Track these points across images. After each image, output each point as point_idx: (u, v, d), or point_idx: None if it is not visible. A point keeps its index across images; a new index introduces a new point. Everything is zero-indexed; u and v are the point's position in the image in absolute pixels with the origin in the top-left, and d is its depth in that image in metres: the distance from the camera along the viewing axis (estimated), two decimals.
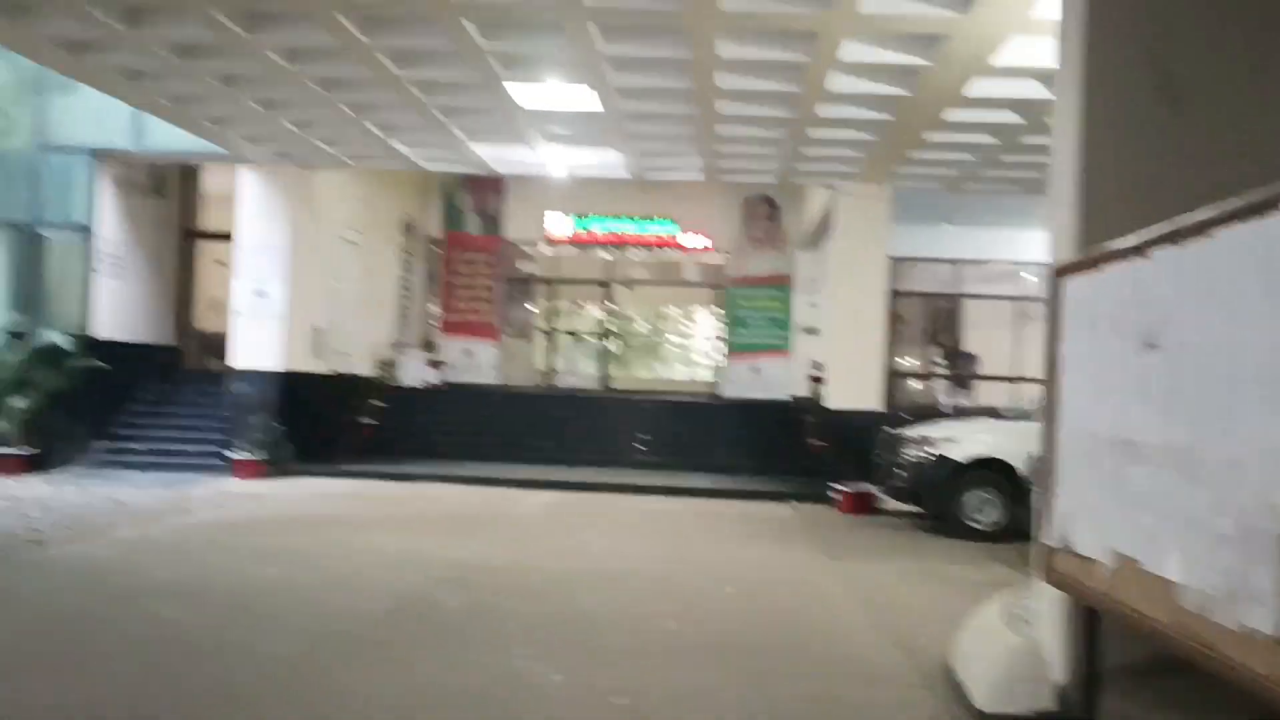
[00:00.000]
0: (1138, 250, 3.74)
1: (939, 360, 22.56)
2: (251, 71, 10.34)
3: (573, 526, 11.39)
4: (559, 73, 9.88)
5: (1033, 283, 20.59)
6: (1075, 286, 4.43)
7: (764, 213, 20.71)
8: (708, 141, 12.12)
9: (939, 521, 11.97)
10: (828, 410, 15.05)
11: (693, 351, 28.35)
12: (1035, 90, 9.56)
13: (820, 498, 14.14)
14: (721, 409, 19.40)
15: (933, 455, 11.57)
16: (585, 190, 20.30)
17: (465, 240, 20.83)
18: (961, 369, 21.68)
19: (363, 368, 17.48)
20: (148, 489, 12.53)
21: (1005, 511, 11.31)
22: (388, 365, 18.34)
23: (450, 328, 20.68)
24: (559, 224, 20.90)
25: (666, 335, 28.99)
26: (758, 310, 20.79)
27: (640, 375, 27.52)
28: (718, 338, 21.65)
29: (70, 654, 5.66)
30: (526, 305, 24.81)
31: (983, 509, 11.41)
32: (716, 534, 11.25)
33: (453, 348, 20.46)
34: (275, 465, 14.20)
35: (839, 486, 13.50)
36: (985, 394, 21.01)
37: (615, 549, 9.99)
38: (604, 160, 13.56)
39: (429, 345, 20.29)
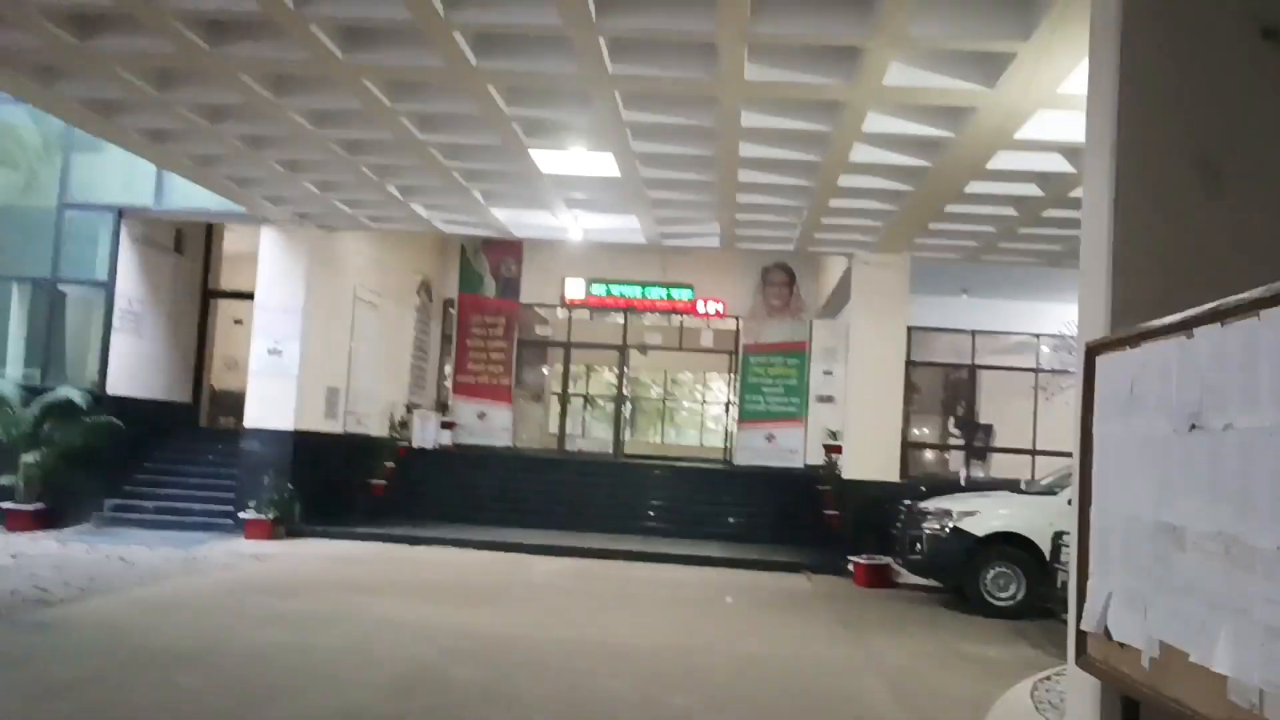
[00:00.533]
0: (1180, 328, 3.65)
1: (954, 431, 22.43)
2: (275, 133, 10.43)
3: (586, 595, 11.22)
4: (581, 139, 9.93)
5: (1048, 354, 20.55)
6: (1110, 364, 4.34)
7: (781, 280, 20.72)
8: (727, 209, 12.14)
9: (957, 596, 11.77)
10: (844, 480, 14.88)
11: (706, 418, 28.29)
12: (1058, 164, 9.57)
13: (836, 569, 13.94)
14: (734, 476, 19.26)
15: (951, 529, 11.40)
16: (603, 255, 20.41)
17: (481, 303, 20.87)
18: (977, 440, 21.54)
19: (376, 428, 17.42)
20: (157, 548, 12.42)
21: (1025, 588, 11.13)
22: (401, 426, 18.27)
23: (464, 390, 20.63)
24: (575, 288, 20.95)
25: (680, 402, 28.94)
26: (773, 378, 20.70)
27: (653, 441, 27.44)
28: (731, 405, 21.53)
29: None
30: (541, 369, 24.82)
31: (1002, 585, 11.22)
32: (734, 606, 11.06)
33: (466, 410, 20.39)
34: (285, 526, 14.09)
35: (855, 559, 13.30)
36: (1001, 466, 20.88)
37: (629, 621, 9.81)
38: (622, 226, 13.60)
39: (442, 407, 20.24)
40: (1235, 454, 3.24)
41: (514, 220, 13.81)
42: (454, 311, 20.88)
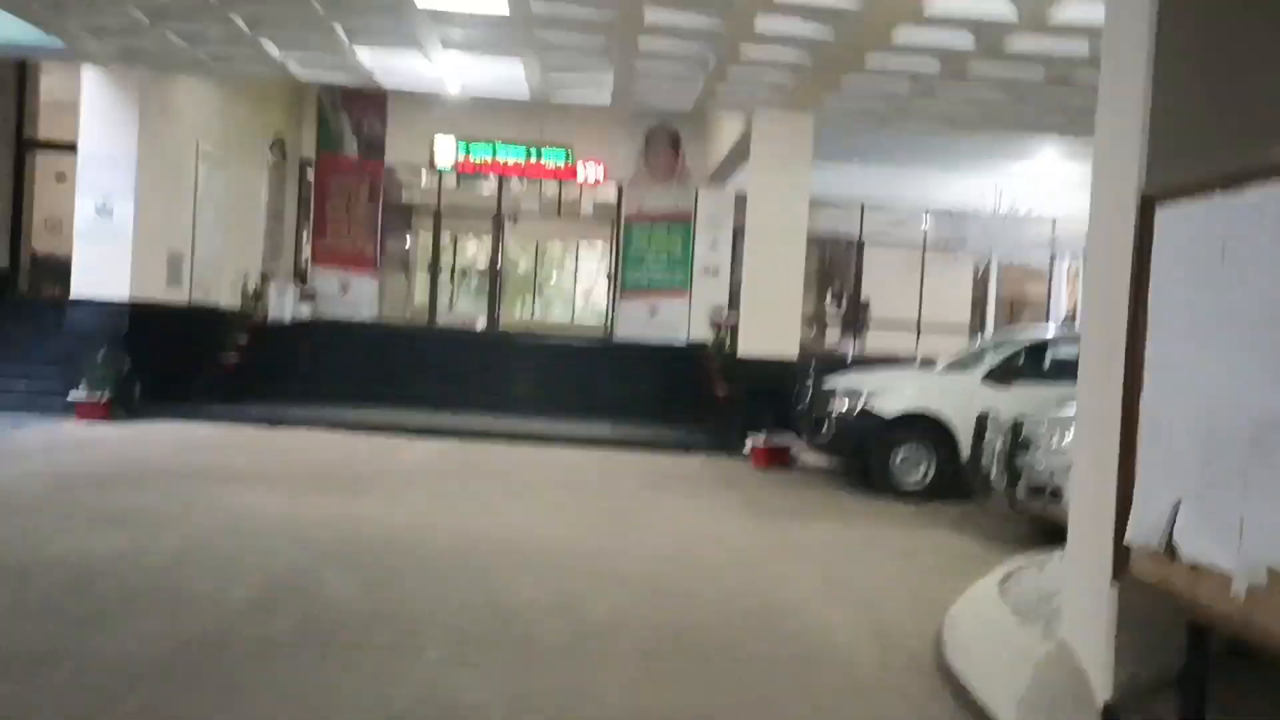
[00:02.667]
0: None
1: (831, 307, 21.99)
2: None
3: (468, 481, 10.19)
4: None
5: (930, 226, 20.09)
6: (1178, 218, 3.45)
7: (666, 144, 19.53)
8: (625, 55, 10.88)
9: (861, 478, 11.24)
10: (737, 357, 14.11)
11: (584, 291, 27.22)
12: (999, 9, 8.64)
13: (729, 449, 13.28)
14: (616, 352, 18.33)
15: (861, 408, 10.76)
16: (474, 114, 18.82)
17: (342, 163, 19.08)
18: (856, 314, 21.14)
19: (227, 299, 15.78)
20: None
21: (935, 469, 10.63)
22: (255, 297, 16.64)
23: (324, 258, 18.97)
24: (445, 150, 19.36)
25: (556, 273, 27.73)
26: (655, 249, 19.70)
27: (528, 316, 26.27)
28: (611, 277, 20.48)
29: None
30: (407, 236, 23.19)
31: (910, 467, 10.69)
32: (628, 490, 10.21)
33: (327, 280, 18.78)
34: (123, 407, 12.57)
35: (754, 439, 12.63)
36: (880, 342, 20.54)
37: (520, 510, 8.84)
38: (505, 75, 12.18)
39: (301, 276, 18.58)
40: None
41: (381, 65, 12.23)
42: (312, 172, 19.08)
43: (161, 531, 7.02)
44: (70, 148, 13.18)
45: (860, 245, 20.26)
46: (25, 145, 15.15)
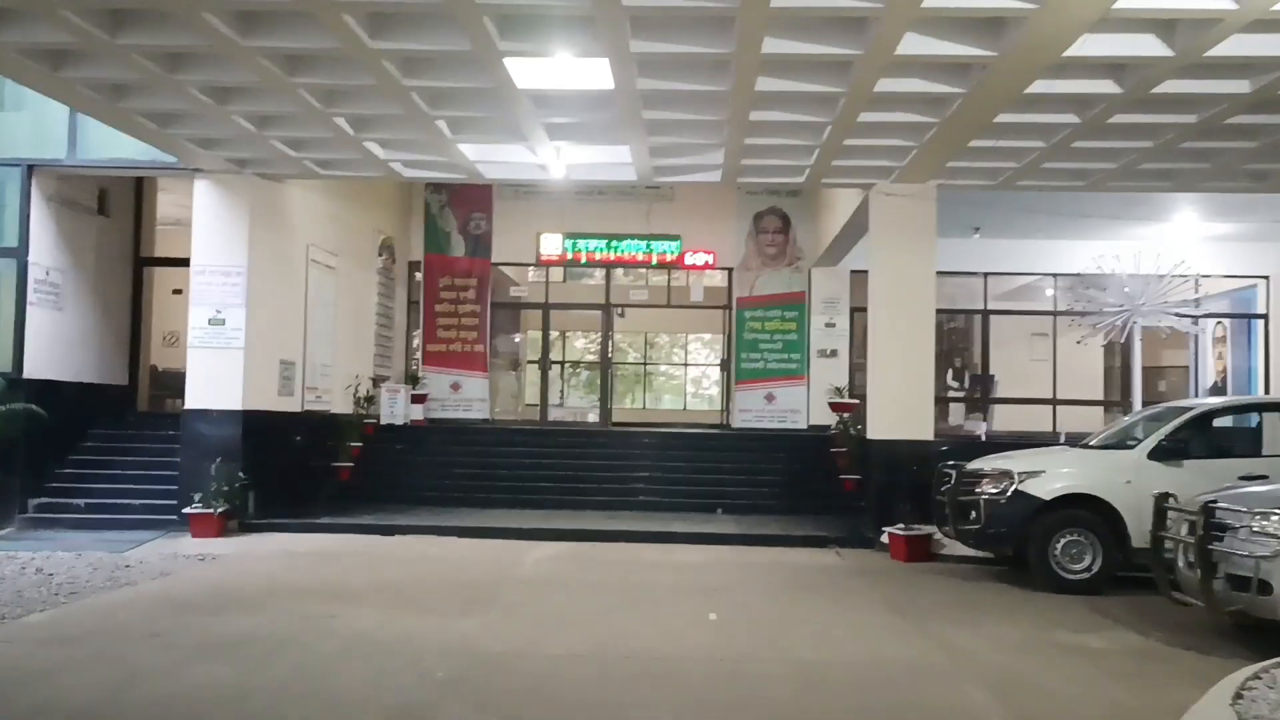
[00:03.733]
0: None
1: (953, 383, 20.82)
2: (192, 45, 8.51)
3: (590, 589, 9.49)
4: (569, 39, 8.12)
5: (1061, 296, 18.99)
6: None
7: (775, 227, 19.04)
8: (736, 131, 10.36)
9: (1016, 570, 10.23)
10: (867, 440, 13.25)
11: (697, 380, 26.63)
12: (1150, 46, 7.87)
13: (864, 541, 12.37)
14: (734, 441, 17.59)
15: (1013, 491, 9.80)
16: (580, 208, 18.71)
17: (450, 264, 19.03)
18: (982, 391, 19.99)
19: (339, 405, 15.62)
20: (87, 552, 10.63)
21: (1102, 558, 9.57)
22: (367, 402, 16.47)
23: (434, 359, 18.82)
24: (551, 245, 19.17)
25: (668, 364, 27.22)
26: (770, 333, 19.05)
27: (641, 407, 25.75)
28: (725, 364, 19.83)
29: None
30: (515, 335, 23.02)
31: (1075, 555, 9.64)
32: (762, 594, 9.39)
33: (438, 381, 18.60)
34: (238, 519, 12.32)
35: (891, 529, 11.71)
36: (1008, 419, 19.33)
37: (648, 621, 8.10)
38: (610, 160, 11.79)
39: (412, 379, 18.42)
40: None
41: (485, 157, 11.97)
42: (420, 274, 19.06)
43: (265, 661, 6.50)
44: (186, 263, 13.22)
45: (986, 316, 19.23)
46: (143, 262, 15.35)
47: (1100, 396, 19.97)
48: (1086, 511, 9.66)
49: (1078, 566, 9.62)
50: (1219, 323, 19.43)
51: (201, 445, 12.35)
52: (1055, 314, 19.01)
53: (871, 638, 7.61)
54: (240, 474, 12.25)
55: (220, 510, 12.00)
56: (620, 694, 5.94)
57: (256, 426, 12.72)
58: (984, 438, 16.87)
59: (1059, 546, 9.64)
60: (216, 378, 12.46)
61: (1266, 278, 18.38)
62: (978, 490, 10.10)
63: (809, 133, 10.51)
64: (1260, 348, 18.55)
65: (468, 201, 18.96)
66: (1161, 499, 8.07)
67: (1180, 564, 7.71)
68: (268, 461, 12.88)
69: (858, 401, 18.10)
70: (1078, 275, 17.41)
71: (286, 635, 7.24)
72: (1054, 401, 19.13)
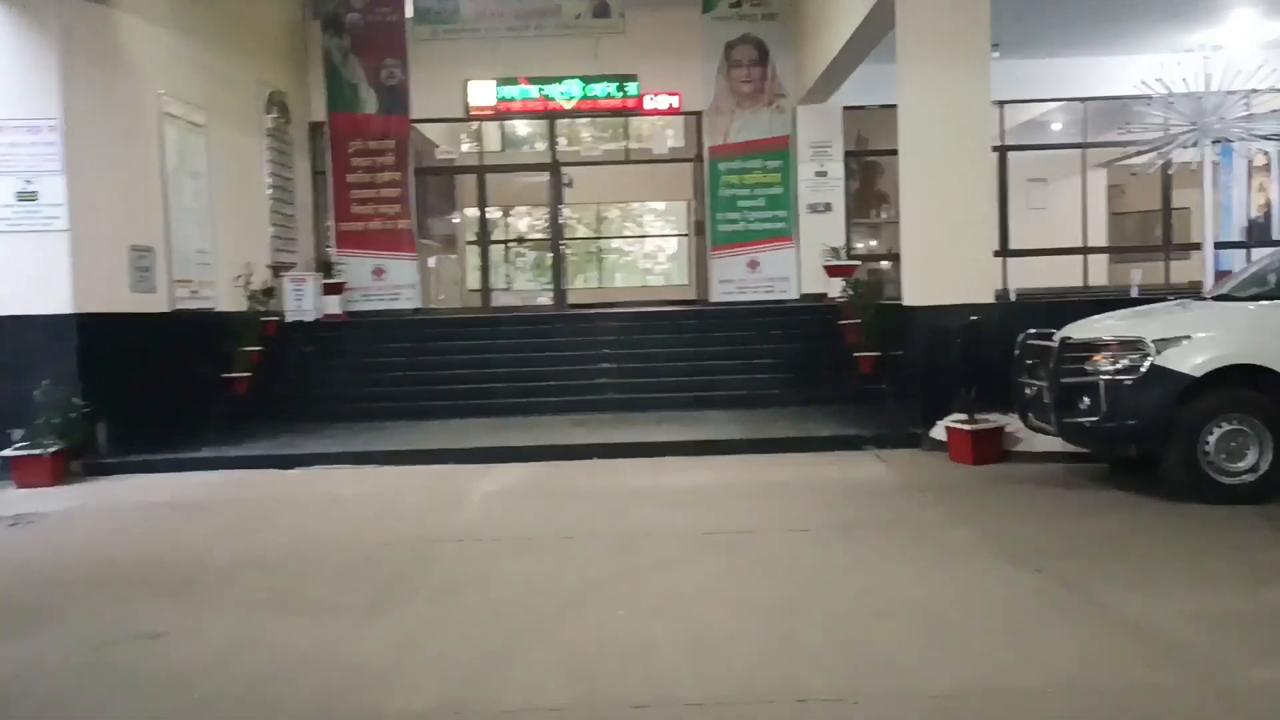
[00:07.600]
0: None
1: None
2: None
3: (562, 547, 6.49)
4: None
5: (1093, 123, 16.06)
6: None
7: (751, 58, 15.84)
8: None
9: (1136, 471, 7.54)
10: (899, 309, 10.35)
11: (665, 250, 23.53)
12: None
13: (908, 439, 9.61)
14: (716, 319, 14.61)
15: (1150, 367, 6.99)
16: (515, 49, 15.42)
17: (360, 123, 15.66)
18: (1003, 242, 17.04)
19: (226, 302, 12.40)
20: None
21: (1273, 453, 6.86)
22: (265, 295, 13.24)
23: (350, 240, 15.60)
24: (482, 94, 15.85)
25: (629, 231, 23.99)
26: (750, 187, 15.98)
27: (600, 286, 22.66)
28: (699, 228, 16.76)
29: None
30: (453, 214, 19.72)
31: (1234, 450, 6.92)
32: (813, 538, 6.45)
33: (356, 267, 15.40)
34: (84, 459, 9.25)
35: (949, 422, 8.92)
36: (1025, 276, 16.50)
37: (660, 610, 5.13)
38: None
39: (324, 266, 15.15)
40: None
41: None
42: (326, 137, 15.65)
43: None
44: None
45: (1004, 154, 16.18)
46: None
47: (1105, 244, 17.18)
48: (1252, 390, 6.90)
49: (1239, 466, 6.91)
50: (1261, 151, 16.59)
51: (20, 365, 9.14)
52: (1085, 146, 16.11)
53: (1022, 627, 4.67)
54: (78, 399, 9.09)
55: (53, 449, 8.87)
56: None
57: (100, 334, 9.51)
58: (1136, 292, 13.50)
59: (1211, 441, 6.91)
60: (33, 272, 9.18)
61: None
62: (1091, 368, 7.27)
63: None
64: None
65: (376, 46, 15.54)
66: None
67: None
68: (122, 380, 9.73)
69: (858, 264, 15.35)
70: (1115, 98, 14.44)
71: (53, 692, 4.24)
72: (1084, 250, 16.36)
